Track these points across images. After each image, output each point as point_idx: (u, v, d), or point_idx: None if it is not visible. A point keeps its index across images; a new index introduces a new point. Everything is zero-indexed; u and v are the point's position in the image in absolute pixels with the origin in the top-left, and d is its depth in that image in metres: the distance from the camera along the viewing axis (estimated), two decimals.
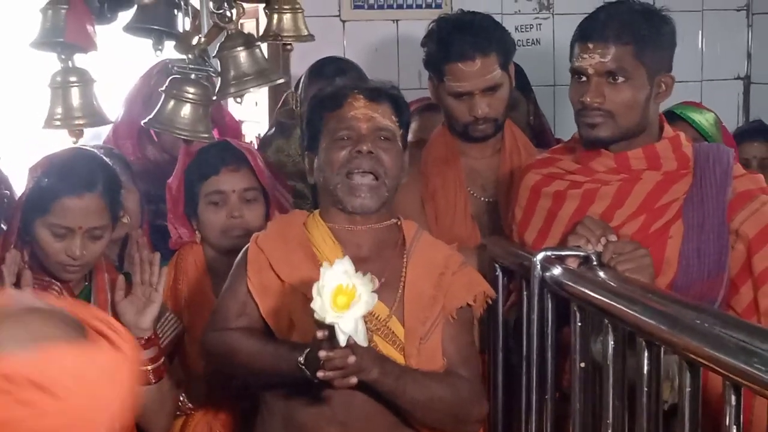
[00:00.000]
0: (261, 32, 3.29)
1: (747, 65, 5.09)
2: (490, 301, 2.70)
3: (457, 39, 3.07)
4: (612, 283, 2.46)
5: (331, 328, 2.22)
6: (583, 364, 2.53)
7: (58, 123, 2.90)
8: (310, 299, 2.31)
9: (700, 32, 5.00)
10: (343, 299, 2.19)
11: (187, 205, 3.13)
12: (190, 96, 2.84)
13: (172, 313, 2.95)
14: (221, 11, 2.84)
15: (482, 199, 3.23)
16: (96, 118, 2.94)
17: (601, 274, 2.53)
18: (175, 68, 2.89)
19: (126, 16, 3.06)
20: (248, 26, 4.25)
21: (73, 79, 2.90)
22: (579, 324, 2.53)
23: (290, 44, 3.19)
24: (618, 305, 2.35)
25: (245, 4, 2.93)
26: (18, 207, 2.74)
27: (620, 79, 2.64)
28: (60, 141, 3.06)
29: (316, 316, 2.21)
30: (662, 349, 2.19)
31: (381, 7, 4.68)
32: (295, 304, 2.54)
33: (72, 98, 2.89)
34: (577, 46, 2.70)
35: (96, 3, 2.97)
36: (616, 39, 2.64)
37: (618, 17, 2.67)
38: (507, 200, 3.08)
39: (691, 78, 4.89)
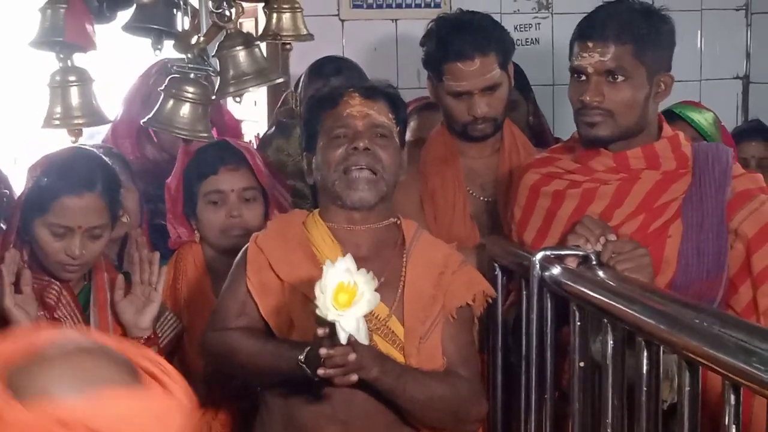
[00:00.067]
0: (260, 31, 3.29)
1: (746, 65, 5.09)
2: (489, 300, 2.70)
3: (456, 38, 3.07)
4: (611, 283, 2.46)
5: (332, 326, 2.23)
6: (582, 364, 2.53)
7: (57, 122, 2.90)
8: (309, 298, 2.32)
9: (699, 32, 5.01)
10: (345, 297, 2.20)
11: (186, 205, 3.13)
12: (190, 95, 2.84)
13: (172, 312, 2.95)
14: (220, 10, 2.84)
15: (481, 198, 3.23)
16: (95, 117, 2.94)
17: (601, 273, 2.53)
18: (174, 67, 2.89)
19: (125, 15, 3.06)
20: (247, 25, 4.26)
21: (72, 78, 2.89)
22: (578, 323, 2.53)
23: (289, 43, 3.19)
24: (617, 305, 2.35)
25: (244, 4, 2.94)
26: (17, 206, 2.75)
27: (620, 78, 2.65)
28: (59, 140, 3.06)
29: (318, 313, 2.21)
30: (661, 349, 2.19)
31: (380, 6, 4.68)
32: (294, 303, 2.55)
33: (71, 98, 2.89)
34: (577, 45, 2.70)
35: (95, 2, 2.97)
36: (615, 38, 2.64)
37: (618, 16, 2.67)
38: (506, 200, 3.08)
39: (690, 77, 4.89)
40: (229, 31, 2.87)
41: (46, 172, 2.71)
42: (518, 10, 4.81)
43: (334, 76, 3.53)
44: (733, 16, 5.05)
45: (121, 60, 4.51)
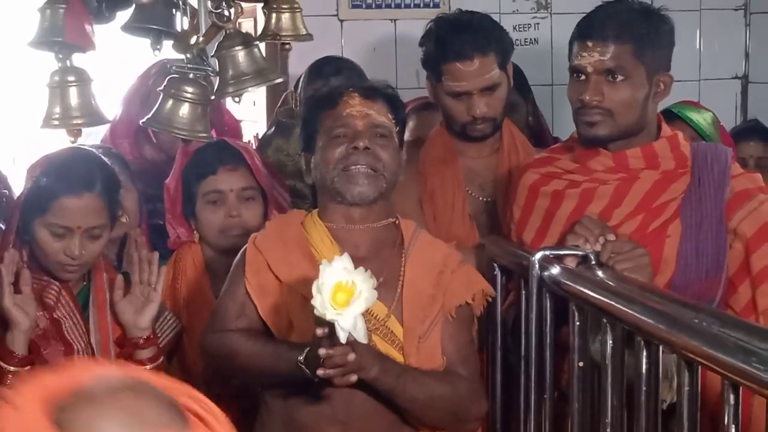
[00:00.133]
0: (259, 32, 3.30)
1: (745, 65, 5.09)
2: (489, 300, 2.70)
3: (455, 39, 3.07)
4: (610, 283, 2.46)
5: (330, 326, 2.23)
6: (581, 364, 2.53)
7: (56, 122, 2.91)
8: (308, 299, 2.32)
9: (698, 32, 5.01)
10: (343, 296, 2.20)
11: (186, 205, 3.13)
12: (189, 95, 2.84)
13: (171, 312, 2.95)
14: (219, 10, 2.84)
15: (480, 198, 3.23)
16: (94, 117, 2.95)
17: (600, 273, 2.53)
18: (174, 68, 2.90)
19: (124, 15, 3.07)
20: (246, 26, 4.27)
21: (71, 78, 2.90)
22: (577, 323, 2.53)
23: (289, 43, 3.20)
24: (616, 304, 2.35)
25: (243, 4, 2.95)
26: (16, 206, 2.75)
27: (619, 78, 2.65)
28: (58, 141, 3.06)
29: (316, 312, 2.21)
30: (660, 349, 2.19)
31: (379, 6, 4.69)
32: (293, 304, 2.54)
33: (70, 98, 2.89)
34: (577, 45, 2.70)
35: (94, 2, 2.97)
36: (615, 37, 2.64)
37: (617, 16, 2.68)
38: (505, 200, 3.07)
39: (689, 77, 4.90)
40: (228, 31, 2.88)
41: (46, 173, 2.70)
42: (517, 10, 4.82)
43: (334, 76, 3.54)
44: (732, 16, 5.05)
45: (120, 60, 4.52)
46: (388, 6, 4.69)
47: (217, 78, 2.91)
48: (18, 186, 3.16)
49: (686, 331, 2.08)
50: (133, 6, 3.01)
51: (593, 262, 2.58)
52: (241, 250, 2.66)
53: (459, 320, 2.63)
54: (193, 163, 3.13)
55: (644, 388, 2.25)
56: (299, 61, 4.03)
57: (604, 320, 2.40)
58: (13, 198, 3.18)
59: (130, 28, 3.07)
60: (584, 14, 2.76)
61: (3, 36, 5.41)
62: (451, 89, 3.10)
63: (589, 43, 2.66)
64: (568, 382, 2.59)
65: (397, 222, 2.69)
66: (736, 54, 5.08)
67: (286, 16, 3.17)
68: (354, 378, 2.34)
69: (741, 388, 1.92)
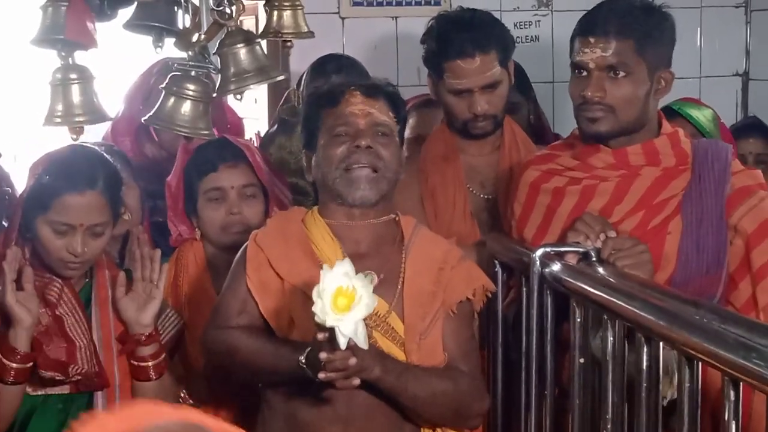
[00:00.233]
0: (261, 29, 3.30)
1: (745, 62, 5.09)
2: (489, 295, 2.70)
3: (456, 36, 3.08)
4: (611, 279, 2.47)
5: (331, 330, 2.22)
6: (582, 360, 2.53)
7: (58, 120, 2.91)
8: (309, 297, 2.32)
9: (699, 29, 5.01)
10: (344, 301, 2.19)
11: (187, 203, 3.13)
12: (191, 93, 2.85)
13: (173, 309, 2.95)
14: (221, 8, 2.85)
15: (481, 196, 3.23)
16: (96, 115, 2.95)
17: (601, 270, 2.54)
18: (176, 65, 2.90)
19: (126, 13, 3.08)
20: (248, 23, 4.26)
21: (73, 76, 2.91)
22: (578, 320, 2.54)
23: (290, 41, 3.21)
24: (617, 301, 2.36)
25: (245, 1, 2.95)
26: (19, 204, 2.75)
27: (621, 74, 2.66)
28: (60, 138, 3.06)
29: (316, 319, 2.21)
30: (661, 345, 2.20)
31: (380, 4, 4.68)
32: (294, 301, 2.55)
33: (72, 95, 2.90)
34: (578, 41, 2.71)
35: (96, 0, 2.98)
36: (617, 34, 2.65)
37: (619, 12, 2.68)
38: (506, 197, 3.08)
39: (690, 74, 4.89)
40: (229, 29, 2.89)
41: (48, 170, 2.70)
42: (518, 7, 4.81)
43: (336, 74, 3.53)
44: (733, 14, 5.05)
45: (122, 58, 4.52)
46: (389, 4, 4.69)
47: (219, 75, 2.92)
48: (20, 183, 3.16)
49: (687, 327, 2.08)
50: (135, 4, 3.03)
51: (594, 259, 2.58)
52: (243, 247, 2.66)
53: (460, 316, 2.63)
54: (194, 160, 3.13)
55: (645, 385, 2.25)
56: (301, 58, 4.03)
57: (605, 317, 2.41)
58: (16, 195, 3.17)
59: (131, 25, 3.08)
60: (585, 11, 2.77)
61: (4, 34, 5.41)
62: (453, 87, 3.10)
63: (591, 39, 2.67)
64: (569, 378, 2.59)
65: (397, 218, 2.69)
66: (737, 51, 5.08)
67: (287, 14, 3.17)
68: (357, 381, 2.34)
69: (741, 384, 1.92)
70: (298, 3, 3.20)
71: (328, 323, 2.19)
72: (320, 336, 2.26)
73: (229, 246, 2.96)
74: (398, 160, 2.65)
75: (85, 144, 2.98)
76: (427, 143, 3.30)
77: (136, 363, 2.74)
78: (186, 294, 3.07)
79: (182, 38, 2.94)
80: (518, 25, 4.74)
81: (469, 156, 3.23)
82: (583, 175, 2.79)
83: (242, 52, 2.88)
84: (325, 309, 2.19)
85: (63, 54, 2.91)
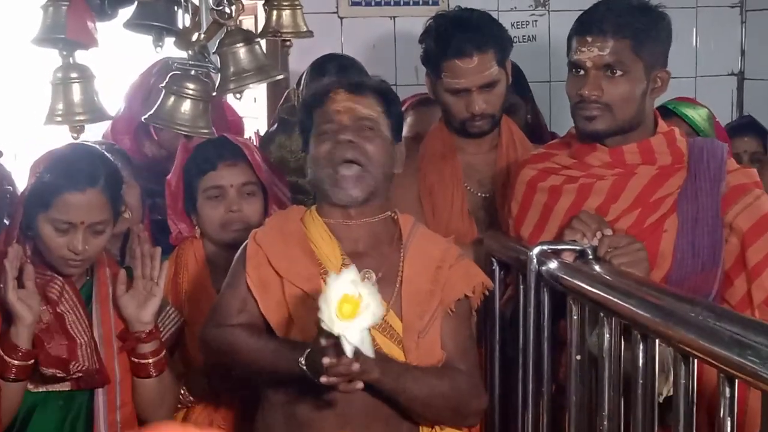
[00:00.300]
0: (260, 29, 3.31)
1: (740, 61, 5.10)
2: (487, 293, 2.71)
3: (454, 36, 3.08)
4: (607, 277, 2.47)
5: (336, 337, 2.22)
6: (579, 357, 2.54)
7: (59, 119, 2.91)
8: (308, 295, 2.33)
9: (695, 29, 5.02)
10: (349, 308, 2.19)
11: (187, 201, 3.14)
12: (190, 92, 2.86)
13: (173, 306, 2.96)
14: (221, 8, 2.86)
15: (479, 194, 3.24)
16: (97, 114, 2.96)
17: (597, 267, 2.54)
18: (176, 64, 2.91)
19: (126, 12, 3.08)
20: (247, 23, 4.27)
21: (74, 75, 2.91)
22: (575, 317, 2.54)
23: (289, 40, 3.22)
24: (613, 298, 2.36)
25: (244, 1, 2.95)
26: (20, 202, 2.75)
27: (618, 73, 2.66)
28: (60, 137, 3.07)
29: (322, 326, 2.21)
30: (657, 342, 2.20)
31: (378, 4, 4.70)
32: (293, 300, 2.55)
33: (73, 94, 2.90)
34: (576, 40, 2.71)
35: (96, 0, 2.98)
36: (614, 33, 2.65)
37: (616, 12, 2.69)
38: (503, 195, 3.09)
39: (686, 74, 4.91)
40: (229, 29, 2.90)
41: (49, 168, 2.71)
42: (515, 7, 4.83)
43: (336, 74, 3.54)
44: (728, 14, 5.07)
45: (122, 57, 4.52)
46: (388, 3, 4.71)
47: (219, 75, 2.93)
48: (21, 182, 3.16)
49: (682, 324, 2.09)
50: (135, 3, 3.03)
51: (590, 257, 2.59)
52: (242, 245, 2.66)
53: (458, 315, 2.64)
54: (193, 159, 3.14)
55: (641, 381, 2.26)
56: (300, 58, 4.03)
57: (601, 314, 2.41)
58: (17, 194, 3.18)
59: (132, 25, 3.08)
60: (581, 11, 2.77)
61: (5, 33, 5.41)
62: (451, 86, 3.11)
63: (589, 38, 2.67)
64: (566, 375, 2.60)
65: (395, 217, 2.70)
66: (732, 51, 5.10)
67: (286, 13, 3.19)
68: (360, 385, 2.35)
69: (737, 381, 1.93)
70: (297, 3, 3.21)
71: (335, 331, 2.20)
72: (324, 341, 2.26)
73: (229, 244, 2.97)
74: (385, 154, 2.63)
75: (85, 142, 2.99)
76: (425, 142, 3.30)
77: (136, 360, 2.75)
78: (186, 291, 3.07)
79: (182, 38, 2.95)
80: (515, 24, 4.75)
81: (467, 154, 3.24)
82: (579, 173, 2.80)
83: (242, 51, 2.89)
84: (332, 317, 2.19)
85: (64, 53, 2.91)
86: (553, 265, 2.63)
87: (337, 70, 3.61)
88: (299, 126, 2.77)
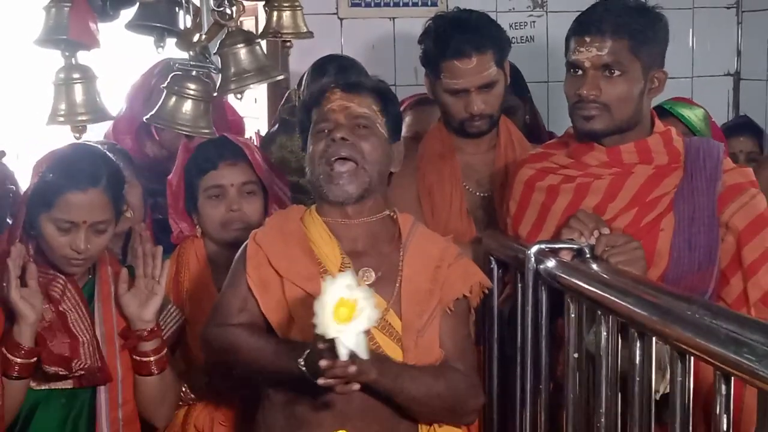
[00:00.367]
0: (261, 29, 3.32)
1: (736, 62, 5.11)
2: (485, 291, 2.71)
3: (453, 37, 3.09)
4: (605, 275, 2.48)
5: (332, 340, 2.23)
6: (576, 355, 2.55)
7: (61, 119, 2.92)
8: (308, 294, 2.34)
9: (691, 30, 5.03)
10: (345, 311, 2.20)
11: (188, 200, 3.15)
12: (192, 92, 2.87)
13: (174, 305, 2.97)
14: (222, 9, 2.87)
15: (477, 193, 3.25)
16: (99, 114, 2.96)
17: (594, 266, 2.55)
18: (177, 65, 2.92)
19: (128, 14, 3.09)
20: (248, 24, 4.29)
21: (76, 75, 2.92)
22: (572, 315, 2.55)
23: (289, 41, 3.23)
24: (611, 297, 2.37)
25: (245, 2, 2.96)
26: (23, 202, 2.75)
27: (616, 73, 2.67)
28: (61, 136, 3.07)
29: (317, 330, 2.21)
30: (654, 340, 2.21)
31: (378, 5, 4.71)
32: (293, 299, 2.56)
33: (75, 94, 2.91)
34: (574, 41, 2.73)
35: (98, 1, 2.99)
36: (612, 33, 2.67)
37: (614, 12, 2.70)
38: (502, 195, 3.10)
39: (682, 74, 4.92)
40: (230, 29, 2.91)
41: (51, 168, 2.71)
42: (513, 8, 4.84)
43: (336, 74, 3.55)
44: (724, 14, 5.08)
45: (124, 58, 4.52)
46: (387, 4, 4.72)
47: (220, 75, 2.94)
48: (23, 181, 3.17)
49: (679, 322, 2.10)
50: (137, 4, 3.04)
51: (588, 256, 2.60)
52: (243, 245, 2.67)
53: (457, 314, 2.65)
54: (194, 158, 3.15)
55: (638, 379, 2.27)
56: (300, 58, 4.05)
57: (599, 312, 2.42)
58: (20, 193, 3.18)
59: (133, 26, 3.09)
60: (579, 12, 2.78)
61: (8, 34, 5.41)
62: (450, 86, 3.12)
63: (587, 39, 2.69)
64: (564, 372, 2.61)
65: (394, 216, 2.70)
66: (728, 51, 5.11)
67: (287, 14, 3.20)
68: (356, 386, 2.36)
69: (732, 378, 1.94)
70: (297, 4, 3.22)
71: (330, 335, 2.20)
72: (321, 345, 2.27)
73: (230, 242, 2.99)
74: (381, 152, 2.64)
75: (87, 142, 3.00)
76: (424, 142, 3.31)
77: (138, 358, 2.76)
78: (187, 290, 3.09)
79: (183, 38, 2.95)
80: (513, 25, 4.76)
81: (466, 154, 3.25)
82: (577, 173, 2.81)
83: (242, 52, 2.90)
84: (326, 321, 2.19)
85: (66, 54, 2.92)
86: (551, 263, 2.63)
87: (338, 71, 3.61)
88: (299, 125, 2.78)
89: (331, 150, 2.59)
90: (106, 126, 3.72)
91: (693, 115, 3.74)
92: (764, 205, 2.70)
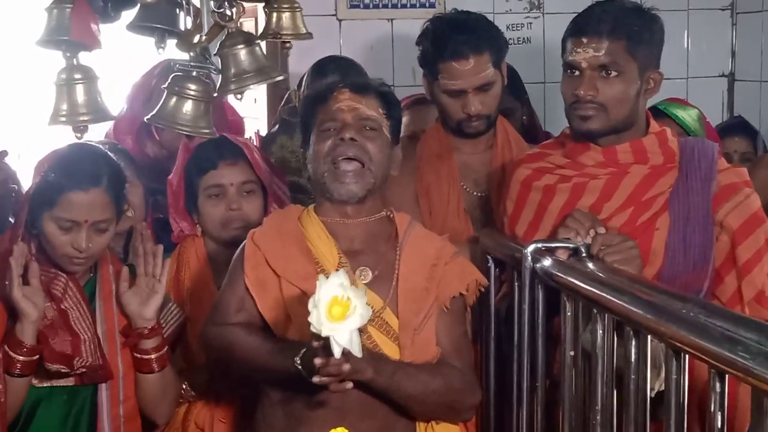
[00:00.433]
0: (260, 31, 3.32)
1: (731, 63, 5.12)
2: (482, 290, 2.72)
3: (451, 38, 3.11)
4: (601, 274, 2.49)
5: (326, 338, 2.24)
6: (572, 353, 2.56)
7: (63, 119, 2.91)
8: (306, 294, 2.35)
9: (686, 31, 5.05)
10: (339, 310, 2.21)
11: (188, 200, 3.16)
12: (192, 92, 2.87)
13: (175, 303, 2.98)
14: (222, 10, 2.86)
15: (475, 193, 3.27)
16: (100, 114, 2.95)
17: (590, 265, 2.56)
18: (177, 66, 2.92)
19: (129, 15, 3.09)
20: (248, 25, 4.29)
21: (77, 76, 2.91)
22: (569, 314, 2.56)
23: (289, 42, 3.23)
24: (606, 295, 2.38)
25: (245, 3, 2.96)
26: (25, 201, 2.76)
27: (613, 73, 2.69)
28: (62, 136, 3.08)
29: (312, 329, 2.23)
30: (649, 338, 2.22)
31: (376, 6, 4.72)
32: (291, 298, 2.57)
33: (77, 95, 2.90)
34: (571, 41, 2.74)
35: (100, 2, 2.99)
36: (609, 34, 2.68)
37: (611, 13, 2.71)
38: (499, 194, 3.11)
39: (677, 75, 4.93)
40: (230, 30, 2.90)
41: (53, 168, 2.72)
42: (510, 9, 4.85)
43: (336, 75, 3.56)
44: (719, 16, 5.09)
45: (125, 58, 4.51)
46: (386, 6, 4.73)
47: (220, 76, 2.95)
48: (25, 181, 3.18)
49: (674, 320, 2.11)
50: (138, 6, 3.04)
51: (584, 255, 2.61)
52: (241, 245, 2.68)
53: (453, 312, 2.66)
54: (194, 158, 3.16)
55: (633, 377, 2.28)
56: (299, 59, 4.05)
57: (595, 311, 2.43)
58: (22, 193, 3.19)
59: (134, 27, 3.09)
60: (575, 14, 2.80)
61: (9, 35, 5.40)
62: (447, 87, 3.14)
63: (584, 39, 2.70)
64: (560, 370, 2.62)
65: (391, 215, 2.72)
66: (723, 53, 5.12)
67: (286, 16, 3.20)
68: (350, 385, 2.36)
69: (727, 376, 1.94)
70: (296, 5, 3.23)
71: (324, 333, 2.22)
72: (315, 343, 2.28)
73: (230, 241, 3.00)
74: (385, 155, 2.65)
75: (89, 142, 3.00)
76: (421, 142, 3.32)
77: (139, 356, 2.77)
78: (187, 289, 3.09)
79: (184, 39, 2.96)
80: (510, 27, 4.77)
81: (463, 154, 3.26)
82: (573, 172, 2.82)
83: (242, 53, 2.90)
84: (320, 319, 2.21)
85: (67, 54, 2.91)
86: (547, 262, 2.64)
87: (338, 72, 3.62)
88: (300, 122, 2.79)
89: (339, 149, 2.60)
90: (107, 126, 3.71)
91: (687, 115, 3.75)
92: (758, 205, 2.72)
